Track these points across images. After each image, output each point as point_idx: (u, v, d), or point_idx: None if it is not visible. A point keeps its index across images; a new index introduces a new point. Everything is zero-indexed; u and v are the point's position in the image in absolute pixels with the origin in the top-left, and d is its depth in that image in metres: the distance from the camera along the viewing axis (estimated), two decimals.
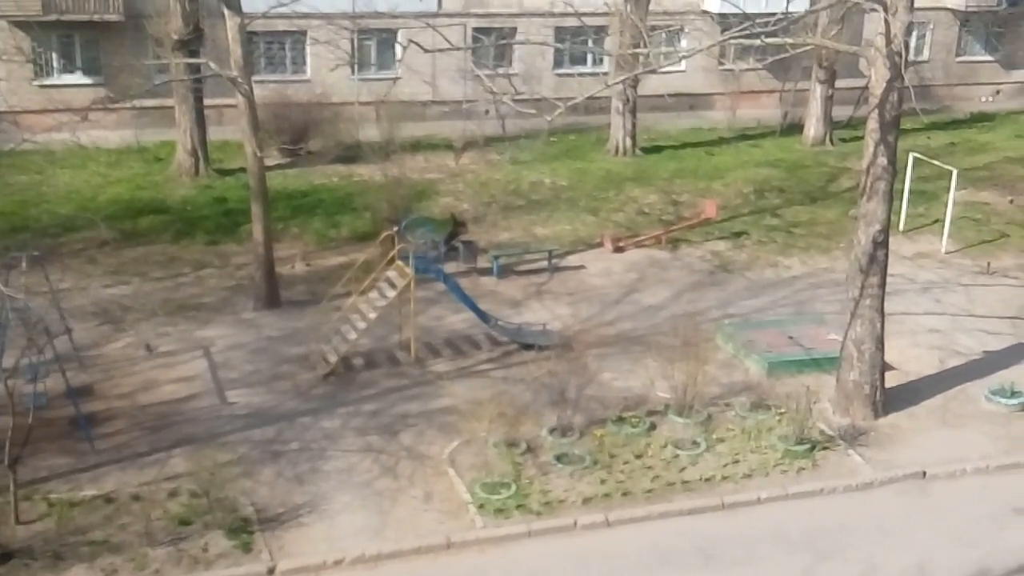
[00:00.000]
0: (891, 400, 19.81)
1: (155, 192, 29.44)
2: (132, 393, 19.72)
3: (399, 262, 21.25)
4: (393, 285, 21.10)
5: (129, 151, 32.44)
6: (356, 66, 34.19)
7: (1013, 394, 20.13)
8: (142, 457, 17.64)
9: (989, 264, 26.81)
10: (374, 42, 35.97)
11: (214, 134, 31.65)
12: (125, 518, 16.02)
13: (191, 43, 29.44)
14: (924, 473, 18.09)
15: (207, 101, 31.07)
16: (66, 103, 29.85)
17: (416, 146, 32.17)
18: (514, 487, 17.07)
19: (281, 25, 33.60)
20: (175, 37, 29.28)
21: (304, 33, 35.11)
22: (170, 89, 29.84)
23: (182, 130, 30.55)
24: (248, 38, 22.86)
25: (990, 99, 42.24)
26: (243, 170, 25.96)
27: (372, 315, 20.85)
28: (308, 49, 35.33)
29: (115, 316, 22.67)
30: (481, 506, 16.65)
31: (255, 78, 24.78)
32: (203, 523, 15.90)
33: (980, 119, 39.62)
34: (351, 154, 31.52)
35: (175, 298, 23.64)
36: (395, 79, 35.10)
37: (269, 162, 27.65)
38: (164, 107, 31.45)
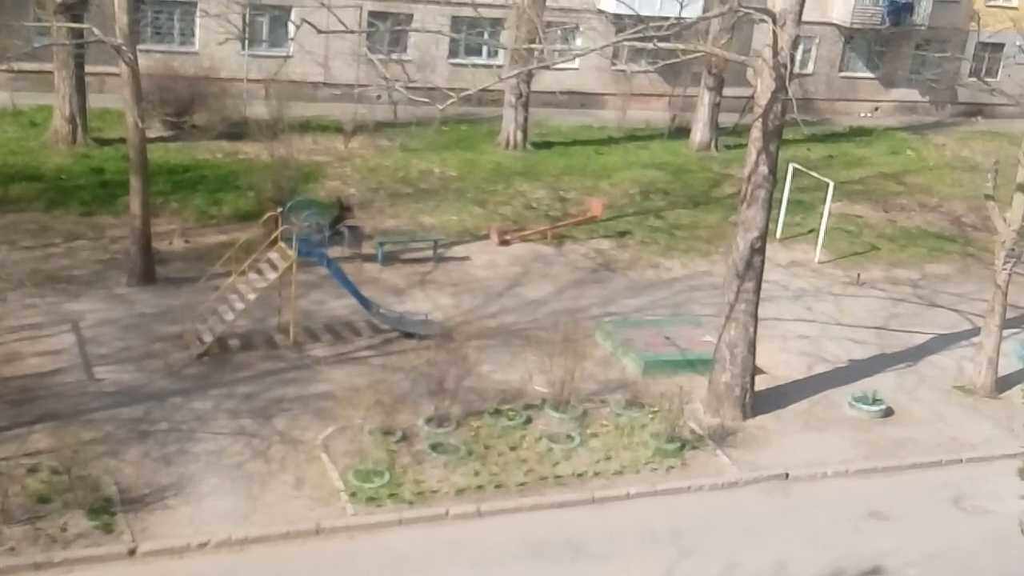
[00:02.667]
0: (759, 403, 20.36)
1: (29, 158, 28.39)
2: None
3: (282, 244, 20.93)
4: (274, 267, 20.78)
5: (3, 114, 31.23)
6: (247, 42, 33.57)
7: (875, 401, 20.89)
8: (1, 431, 17.00)
9: (859, 275, 27.75)
10: (266, 18, 35.35)
11: (94, 102, 30.69)
12: None
13: (75, 7, 28.36)
14: (787, 475, 18.65)
15: (89, 68, 30.11)
16: None
17: (305, 127, 31.74)
18: (387, 475, 17.01)
19: None
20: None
21: (194, 4, 34.30)
22: (50, 53, 28.81)
23: (61, 96, 29.51)
24: (135, 5, 22.29)
25: (869, 115, 43.68)
26: (123, 141, 25.23)
27: (251, 296, 20.50)
28: (197, 20, 34.53)
29: None
30: (353, 494, 16.54)
31: (140, 47, 24.14)
32: (63, 501, 15.44)
33: (858, 133, 40.96)
34: (237, 131, 30.93)
35: (44, 269, 22.85)
36: (286, 57, 34.58)
37: (151, 134, 26.91)
38: (43, 71, 30.27)
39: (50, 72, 29.74)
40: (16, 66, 29.66)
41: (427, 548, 15.81)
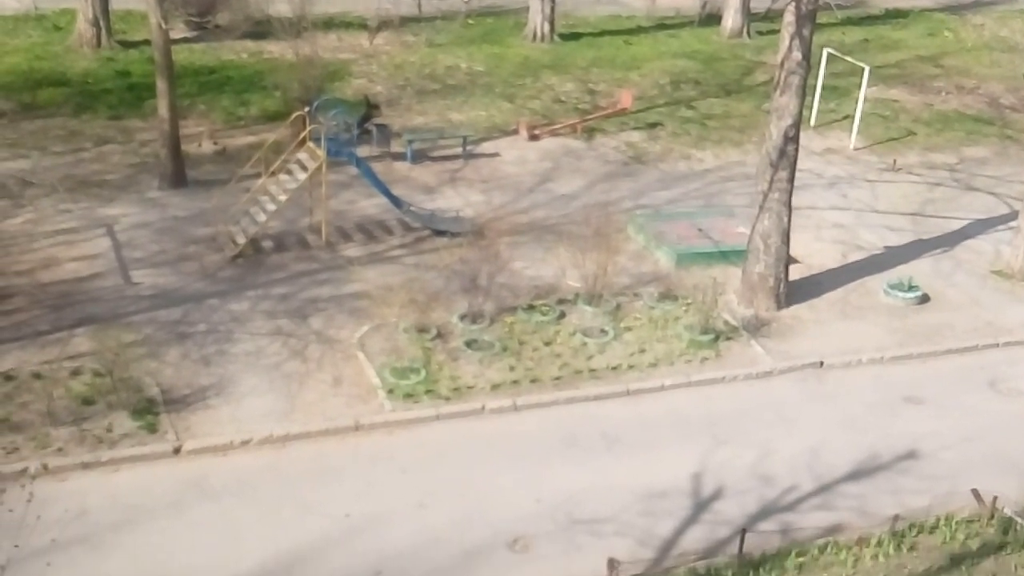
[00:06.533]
0: (794, 292, 20.28)
1: (55, 63, 28.27)
2: (32, 271, 19.23)
3: (311, 144, 20.86)
4: (304, 167, 20.73)
5: (27, 19, 31.01)
6: None
7: (910, 288, 20.75)
8: (43, 336, 17.30)
9: (895, 161, 27.34)
10: None
11: (117, 3, 30.40)
12: (26, 396, 15.77)
13: None
14: (821, 363, 18.66)
15: None
16: None
17: (329, 24, 31.37)
18: (424, 372, 17.19)
19: None
20: None
21: None
22: None
23: None
24: None
25: None
26: (147, 43, 25.08)
27: (282, 197, 20.51)
28: None
29: (13, 191, 21.93)
30: (390, 391, 16.75)
31: None
32: (107, 403, 15.75)
33: (894, 16, 39.90)
34: (261, 30, 30.57)
35: (76, 174, 22.94)
36: None
37: (175, 35, 26.71)
38: None
39: None
40: None
41: (463, 441, 16.03)
